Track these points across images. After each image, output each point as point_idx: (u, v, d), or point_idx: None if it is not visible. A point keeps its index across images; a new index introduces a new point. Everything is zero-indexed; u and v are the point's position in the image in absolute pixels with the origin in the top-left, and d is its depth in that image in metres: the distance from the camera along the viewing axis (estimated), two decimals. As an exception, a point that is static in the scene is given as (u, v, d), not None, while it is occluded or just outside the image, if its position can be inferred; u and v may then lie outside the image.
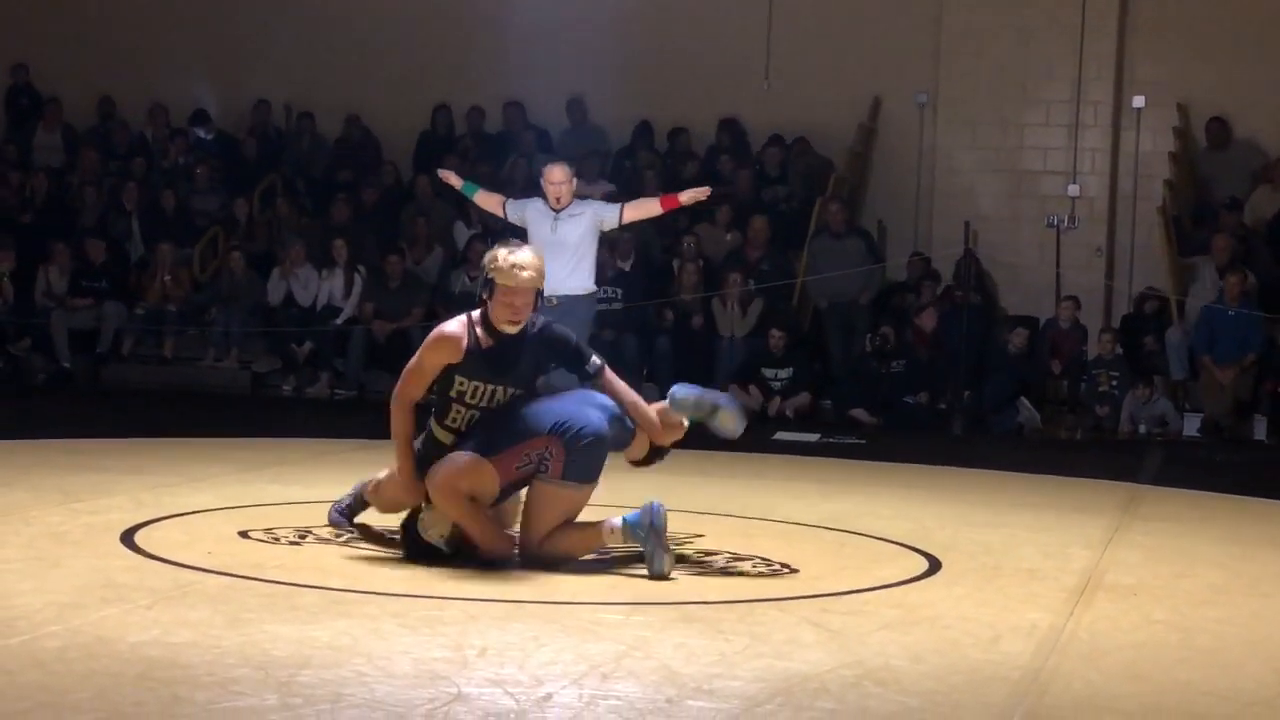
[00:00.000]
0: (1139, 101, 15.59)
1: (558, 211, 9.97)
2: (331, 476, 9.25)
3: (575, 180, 10.09)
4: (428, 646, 5.28)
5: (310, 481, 9.04)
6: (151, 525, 7.35)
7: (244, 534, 7.24)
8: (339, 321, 15.14)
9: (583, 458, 6.58)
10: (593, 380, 6.77)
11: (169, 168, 17.23)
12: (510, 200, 10.24)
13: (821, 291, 14.85)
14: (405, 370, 6.80)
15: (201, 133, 17.46)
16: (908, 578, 6.82)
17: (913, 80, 16.07)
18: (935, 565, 7.12)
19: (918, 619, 6.03)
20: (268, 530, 7.32)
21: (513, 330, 6.67)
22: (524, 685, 4.88)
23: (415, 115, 17.05)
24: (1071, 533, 8.20)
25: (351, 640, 5.32)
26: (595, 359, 6.80)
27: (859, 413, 13.79)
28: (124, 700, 4.59)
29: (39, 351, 15.51)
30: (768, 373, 13.96)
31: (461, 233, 16.03)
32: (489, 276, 6.64)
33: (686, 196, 9.93)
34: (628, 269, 14.96)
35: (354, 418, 13.06)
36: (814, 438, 12.61)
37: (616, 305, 14.58)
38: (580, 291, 10.00)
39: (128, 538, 7.02)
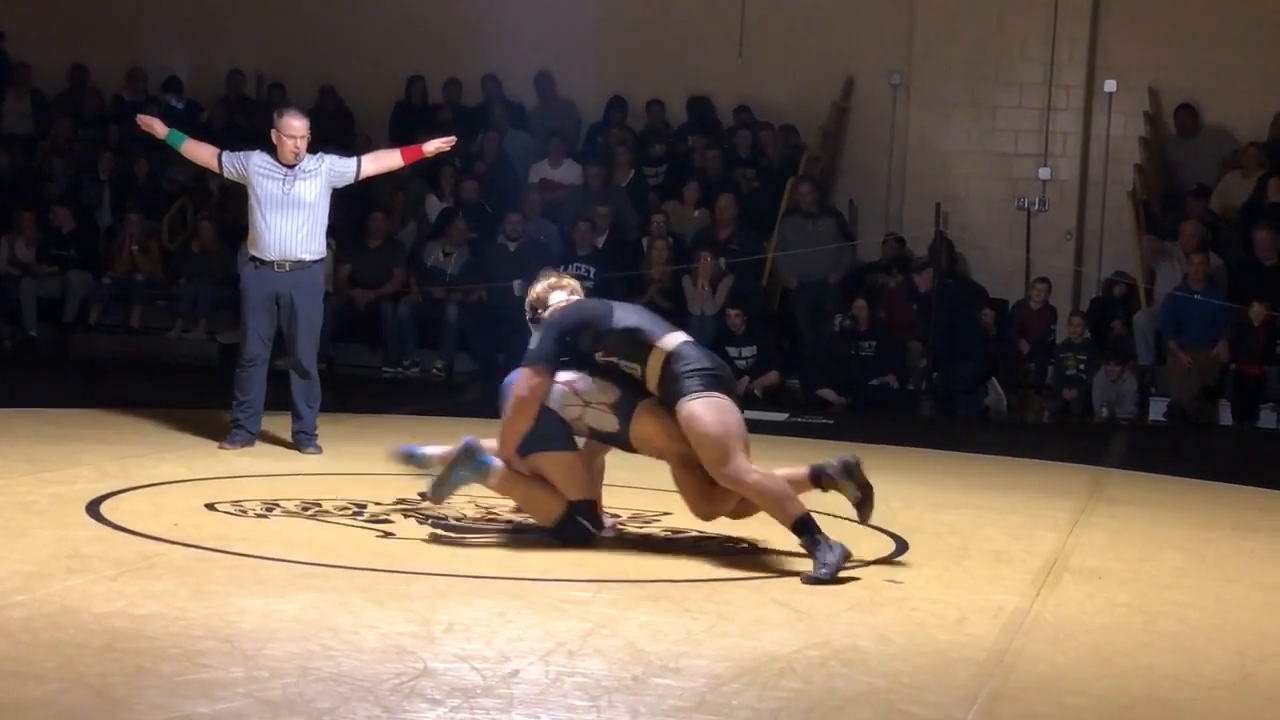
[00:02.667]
0: (1111, 85, 15.60)
1: (291, 167, 8.99)
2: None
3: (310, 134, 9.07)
4: (394, 621, 5.28)
5: (277, 455, 9.03)
6: (118, 496, 7.34)
7: (210, 506, 7.23)
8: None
9: None
10: None
11: (142, 136, 17.10)
12: (227, 153, 9.15)
13: (792, 271, 14.85)
14: None
15: (173, 101, 17.35)
16: (875, 559, 6.84)
17: (886, 60, 16.06)
18: (902, 546, 7.14)
19: (885, 600, 6.05)
20: (235, 503, 7.31)
21: None
22: (490, 661, 4.88)
23: (390, 87, 16.98)
24: (1038, 515, 8.24)
25: (318, 614, 5.32)
26: None
27: (827, 393, 13.80)
28: (89, 671, 4.58)
29: (5, 320, 15.44)
30: (732, 351, 13.96)
31: (434, 205, 15.99)
32: None
33: (431, 147, 9.14)
34: (600, 245, 14.95)
35: (322, 391, 13.02)
36: (782, 417, 12.62)
37: (588, 283, 14.55)
38: (316, 257, 9.15)
39: (94, 508, 7.01)
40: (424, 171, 16.14)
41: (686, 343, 6.70)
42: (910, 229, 15.35)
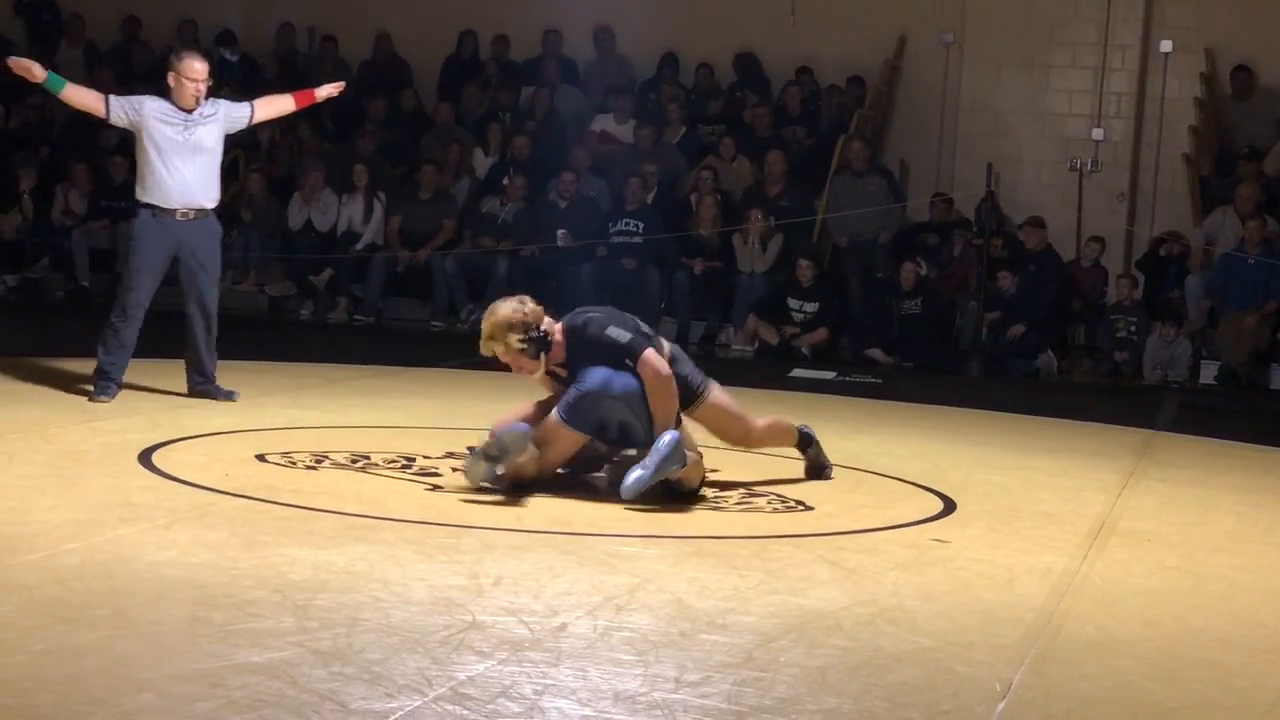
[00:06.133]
0: (1166, 46, 15.46)
1: (191, 112, 8.61)
2: (348, 402, 9.31)
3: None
4: (443, 574, 5.30)
5: (327, 407, 9.07)
6: (169, 446, 7.38)
7: (261, 457, 7.26)
8: (358, 247, 15.13)
9: (577, 403, 6.81)
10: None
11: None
12: (115, 98, 8.65)
13: (842, 229, 14.81)
14: None
15: (227, 54, 17.38)
16: (923, 518, 6.83)
17: (939, 19, 15.95)
18: (950, 506, 7.13)
19: (932, 559, 6.05)
20: (285, 454, 7.34)
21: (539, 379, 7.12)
22: (538, 615, 4.90)
23: (440, 41, 16.97)
24: (1087, 477, 8.21)
25: (368, 566, 5.35)
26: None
27: (875, 352, 13.77)
28: (141, 618, 4.62)
29: (58, 270, 15.55)
30: (793, 303, 13.89)
31: (480, 160, 15.98)
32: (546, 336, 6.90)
33: (323, 92, 9.02)
34: (649, 202, 14.92)
35: (372, 344, 13.09)
36: (830, 376, 12.60)
37: (637, 239, 14.54)
38: (214, 204, 8.81)
39: (145, 458, 7.05)
40: (472, 127, 16.17)
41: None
42: (961, 189, 15.27)
